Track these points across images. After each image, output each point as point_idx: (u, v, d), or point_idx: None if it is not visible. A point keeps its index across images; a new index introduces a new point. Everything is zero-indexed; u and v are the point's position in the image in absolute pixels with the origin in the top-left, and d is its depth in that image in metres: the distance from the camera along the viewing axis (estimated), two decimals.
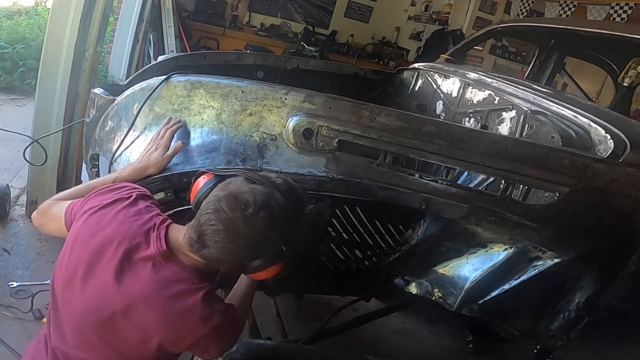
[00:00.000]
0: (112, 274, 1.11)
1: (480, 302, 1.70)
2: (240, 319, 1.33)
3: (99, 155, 1.72)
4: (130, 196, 1.22)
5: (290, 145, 1.42)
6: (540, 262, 1.68)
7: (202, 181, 1.22)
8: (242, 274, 1.39)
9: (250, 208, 1.05)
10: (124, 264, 1.11)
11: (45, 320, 1.45)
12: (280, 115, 1.43)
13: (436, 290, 1.75)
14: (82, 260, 1.14)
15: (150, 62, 4.75)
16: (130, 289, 1.10)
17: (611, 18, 5.07)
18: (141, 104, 1.52)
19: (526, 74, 3.51)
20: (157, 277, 1.10)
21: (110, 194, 1.23)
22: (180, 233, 1.15)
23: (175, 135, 1.46)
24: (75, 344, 1.14)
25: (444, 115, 2.57)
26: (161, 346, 1.10)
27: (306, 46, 7.50)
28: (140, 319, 1.09)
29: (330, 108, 1.42)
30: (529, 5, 6.52)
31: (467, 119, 2.41)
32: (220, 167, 1.37)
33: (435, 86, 2.68)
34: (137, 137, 1.54)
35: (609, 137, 1.66)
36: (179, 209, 1.42)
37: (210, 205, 1.09)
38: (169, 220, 1.21)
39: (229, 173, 1.19)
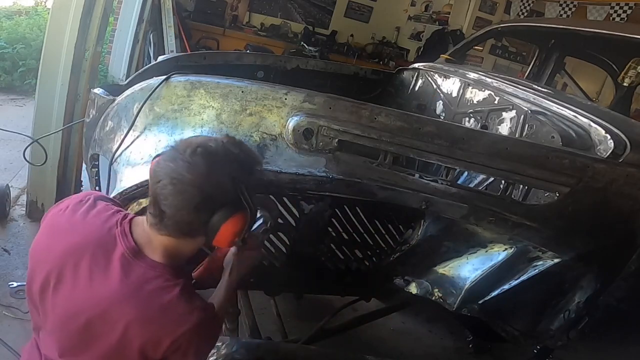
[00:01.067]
0: (82, 278, 1.08)
1: (480, 302, 1.70)
2: (220, 318, 1.28)
3: (99, 155, 1.72)
4: (88, 199, 1.21)
5: (290, 145, 1.42)
6: (540, 262, 1.68)
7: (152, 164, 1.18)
8: (217, 289, 1.34)
9: (188, 149, 1.05)
10: (93, 267, 1.08)
11: None
12: (280, 115, 1.43)
13: (436, 290, 1.75)
14: (50, 269, 1.12)
15: (150, 62, 4.75)
16: (103, 292, 1.07)
17: (611, 18, 5.08)
18: (141, 104, 1.52)
19: (526, 74, 3.51)
20: (129, 277, 1.07)
21: (67, 201, 1.22)
22: (144, 222, 1.12)
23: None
24: (61, 354, 1.12)
25: (444, 115, 2.57)
26: (142, 350, 1.07)
27: (306, 46, 7.50)
28: (117, 322, 1.05)
29: (330, 108, 1.42)
30: (529, 5, 6.53)
31: (467, 119, 2.41)
32: None
33: (435, 86, 2.68)
34: (137, 137, 1.54)
35: (609, 137, 1.66)
36: None
37: (154, 169, 1.07)
38: (131, 215, 1.18)
39: None
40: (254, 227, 1.35)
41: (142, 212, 1.39)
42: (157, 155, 1.14)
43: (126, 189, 1.44)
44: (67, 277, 1.10)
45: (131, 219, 1.15)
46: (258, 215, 1.37)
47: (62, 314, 1.11)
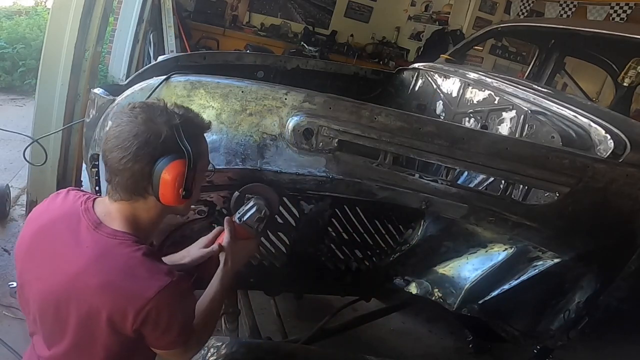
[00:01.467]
0: (48, 260, 1.10)
1: (480, 302, 1.70)
2: (188, 285, 1.19)
3: (99, 155, 1.72)
4: (59, 192, 1.24)
5: (290, 145, 1.42)
6: (540, 262, 1.68)
7: None
8: (213, 279, 1.31)
9: (129, 105, 1.10)
10: (57, 246, 1.10)
11: None
12: (280, 115, 1.43)
13: (436, 290, 1.75)
14: (26, 258, 1.15)
15: (150, 62, 4.75)
16: (67, 267, 1.06)
17: (611, 18, 5.08)
18: None
19: (526, 74, 3.51)
20: (90, 248, 1.06)
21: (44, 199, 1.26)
22: (105, 200, 1.15)
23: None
24: (48, 346, 1.13)
25: (444, 115, 2.57)
26: (111, 322, 1.03)
27: (306, 46, 7.50)
28: (82, 293, 1.04)
29: (330, 108, 1.42)
30: (529, 5, 6.53)
31: (467, 119, 2.41)
32: (220, 167, 1.37)
33: (435, 86, 2.68)
34: None
35: (609, 137, 1.67)
36: None
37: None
38: (95, 196, 1.20)
39: None
40: (246, 216, 1.34)
41: None
42: None
43: None
44: (34, 262, 1.12)
45: (95, 199, 1.17)
46: (252, 202, 1.36)
47: (38, 303, 1.11)
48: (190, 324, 1.15)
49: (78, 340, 1.08)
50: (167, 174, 1.07)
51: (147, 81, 1.57)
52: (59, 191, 1.26)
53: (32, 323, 1.16)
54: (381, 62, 7.96)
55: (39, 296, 1.11)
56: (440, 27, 7.60)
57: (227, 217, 1.36)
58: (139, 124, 1.06)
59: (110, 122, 1.12)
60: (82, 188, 1.35)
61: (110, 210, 1.12)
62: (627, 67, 2.67)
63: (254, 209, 1.35)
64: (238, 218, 1.35)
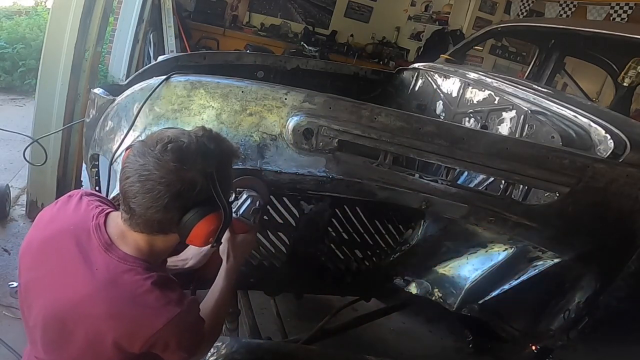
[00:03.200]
0: (55, 272, 1.07)
1: (480, 302, 1.70)
2: (213, 318, 1.23)
3: (99, 155, 1.72)
4: (71, 195, 1.19)
5: (290, 145, 1.42)
6: (540, 262, 1.68)
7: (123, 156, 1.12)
8: (217, 277, 1.32)
9: (158, 145, 0.99)
10: (66, 260, 1.07)
11: None
12: (280, 115, 1.43)
13: (436, 290, 1.75)
14: (32, 265, 1.12)
15: (150, 62, 4.75)
16: (75, 286, 1.04)
17: (611, 18, 5.08)
18: (141, 104, 1.52)
19: (526, 74, 3.51)
20: (100, 271, 1.03)
21: (60, 198, 1.21)
22: (118, 217, 1.08)
23: None
24: (45, 350, 1.12)
25: (444, 115, 2.57)
26: (117, 344, 1.03)
27: (306, 46, 7.50)
28: (89, 315, 1.03)
29: (330, 108, 1.42)
30: (529, 5, 6.53)
31: (467, 119, 2.41)
32: None
33: (435, 86, 2.68)
34: (137, 137, 1.54)
35: (609, 137, 1.66)
36: None
37: (124, 164, 1.02)
38: (108, 210, 1.14)
39: None
40: (242, 210, 1.33)
41: None
42: (129, 147, 1.10)
43: None
44: (44, 270, 1.09)
45: (107, 213, 1.13)
46: (245, 196, 1.35)
47: (39, 308, 1.10)
48: (200, 338, 1.15)
49: (81, 355, 1.07)
50: (200, 228, 1.04)
51: (147, 81, 1.57)
52: (71, 193, 1.21)
53: (32, 328, 1.14)
54: (381, 62, 7.97)
55: (44, 308, 1.09)
56: (440, 27, 7.60)
57: None
58: (170, 171, 0.98)
59: (130, 156, 1.02)
60: (94, 190, 1.29)
61: (125, 234, 1.08)
62: (627, 67, 2.67)
63: (248, 202, 1.34)
64: (234, 213, 1.35)
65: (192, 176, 1.00)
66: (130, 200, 1.01)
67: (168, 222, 1.03)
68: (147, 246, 1.08)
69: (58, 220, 1.14)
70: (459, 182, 1.81)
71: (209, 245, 1.12)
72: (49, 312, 1.07)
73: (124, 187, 1.01)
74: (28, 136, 2.62)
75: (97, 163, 1.76)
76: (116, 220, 1.10)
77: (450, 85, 2.57)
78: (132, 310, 1.02)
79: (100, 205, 1.16)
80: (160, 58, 2.27)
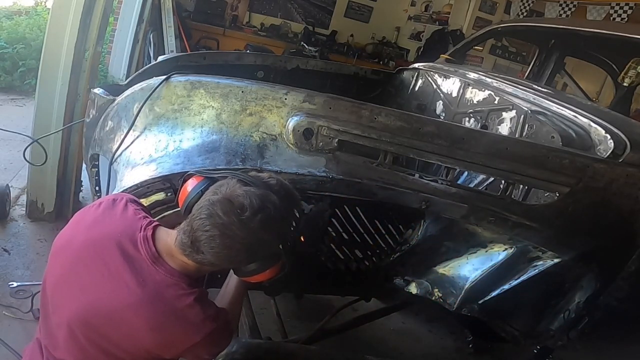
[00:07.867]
0: (97, 276, 1.09)
1: (480, 302, 1.70)
2: (232, 323, 1.29)
3: (99, 155, 1.72)
4: (116, 199, 1.21)
5: (290, 145, 1.42)
6: (540, 262, 1.68)
7: (191, 184, 1.19)
8: (228, 277, 1.36)
9: (246, 212, 1.03)
10: (110, 267, 1.09)
11: None
12: (280, 115, 1.43)
13: (436, 290, 1.75)
14: (69, 264, 1.13)
15: (150, 62, 4.75)
16: (118, 293, 1.07)
17: (611, 18, 5.08)
18: (141, 104, 1.52)
19: (526, 74, 3.51)
20: (145, 283, 1.07)
21: (103, 198, 1.24)
22: (169, 237, 1.12)
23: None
24: (67, 348, 1.13)
25: (444, 115, 2.57)
26: (151, 352, 1.09)
27: (306, 46, 7.50)
28: (128, 325, 1.06)
29: (330, 108, 1.42)
30: (529, 5, 6.53)
31: (467, 119, 2.41)
32: (220, 167, 1.37)
33: (435, 86, 2.68)
34: (137, 137, 1.54)
35: (609, 137, 1.66)
36: (179, 209, 1.42)
37: (203, 210, 1.05)
38: (156, 223, 1.19)
39: (218, 175, 1.17)
40: None
41: None
42: (192, 175, 1.20)
43: (126, 189, 1.44)
44: (82, 272, 1.11)
45: (155, 226, 1.16)
46: None
47: (71, 309, 1.11)
48: (225, 346, 1.24)
49: (113, 354, 1.11)
50: (262, 276, 1.18)
51: (147, 81, 1.57)
52: (115, 197, 1.24)
53: (56, 327, 1.15)
54: (381, 62, 7.97)
55: (78, 309, 1.10)
56: (440, 27, 7.60)
57: None
58: (254, 232, 1.04)
59: (209, 206, 1.05)
60: (108, 193, 1.32)
61: (175, 255, 1.11)
62: (627, 67, 2.67)
63: None
64: None
65: (270, 238, 1.10)
66: (203, 245, 1.05)
67: (232, 266, 1.17)
68: (194, 270, 1.13)
69: (103, 224, 1.16)
70: (459, 182, 1.81)
71: None
72: (83, 314, 1.09)
73: (200, 234, 1.04)
74: (28, 136, 2.62)
75: (97, 163, 1.76)
76: (166, 238, 1.13)
77: (450, 85, 2.57)
78: (173, 324, 1.08)
79: (146, 217, 1.20)
80: (160, 58, 2.27)
